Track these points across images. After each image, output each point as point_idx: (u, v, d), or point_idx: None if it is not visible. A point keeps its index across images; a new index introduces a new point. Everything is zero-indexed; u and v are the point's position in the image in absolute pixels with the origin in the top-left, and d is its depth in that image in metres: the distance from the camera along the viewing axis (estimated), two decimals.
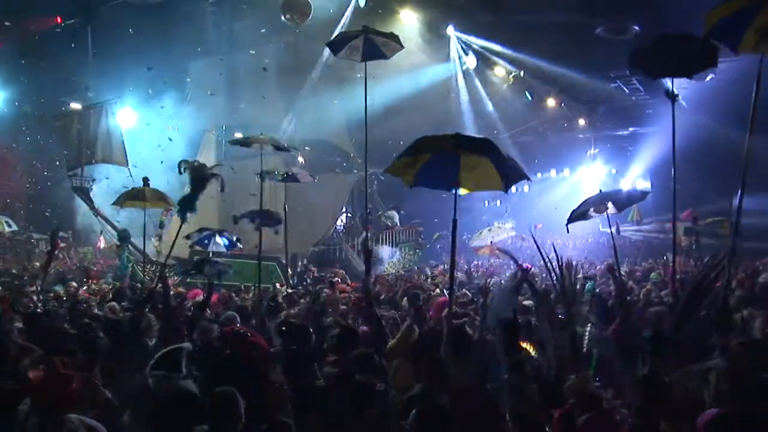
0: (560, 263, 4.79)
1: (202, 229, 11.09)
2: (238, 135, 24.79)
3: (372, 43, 8.38)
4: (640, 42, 7.12)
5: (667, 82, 7.50)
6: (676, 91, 7.23)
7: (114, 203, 11.31)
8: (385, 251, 19.44)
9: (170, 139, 19.19)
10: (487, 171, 5.24)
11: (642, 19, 17.83)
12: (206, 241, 11.22)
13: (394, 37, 8.64)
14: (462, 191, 5.36)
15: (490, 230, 19.66)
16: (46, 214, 21.64)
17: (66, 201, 21.16)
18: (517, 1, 18.03)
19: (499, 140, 29.81)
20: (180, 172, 8.23)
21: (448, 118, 24.51)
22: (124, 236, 15.86)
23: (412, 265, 21.18)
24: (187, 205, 8.61)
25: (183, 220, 8.02)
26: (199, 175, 8.82)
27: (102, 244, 20.38)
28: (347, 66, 18.65)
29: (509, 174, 5.26)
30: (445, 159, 5.31)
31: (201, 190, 8.17)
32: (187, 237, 10.52)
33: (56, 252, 10.32)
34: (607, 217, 7.28)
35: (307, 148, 23.60)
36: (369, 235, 8.35)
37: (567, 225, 7.29)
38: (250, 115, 21.71)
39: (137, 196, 10.38)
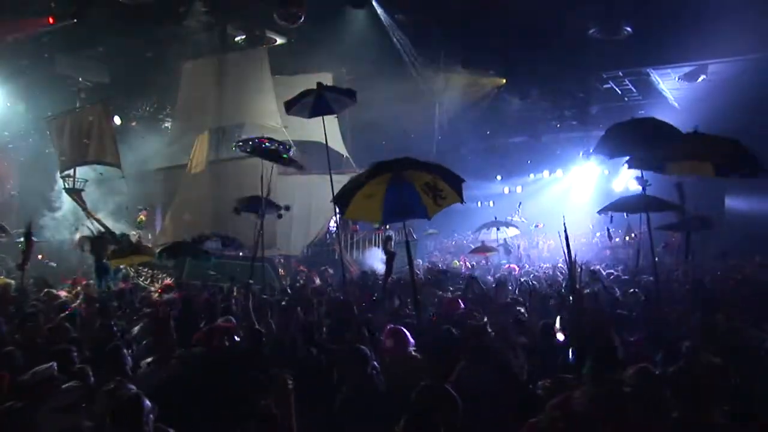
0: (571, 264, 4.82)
1: (201, 237, 11.50)
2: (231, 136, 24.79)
3: (323, 100, 8.55)
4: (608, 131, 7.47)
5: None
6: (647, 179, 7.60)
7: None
8: (379, 253, 19.44)
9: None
10: (443, 187, 5.52)
11: (634, 20, 17.92)
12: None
13: (349, 93, 8.81)
14: (432, 213, 5.62)
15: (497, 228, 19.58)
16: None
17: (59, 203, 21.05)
18: (509, 2, 18.06)
19: (491, 142, 30.09)
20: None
21: (441, 120, 24.63)
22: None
23: (404, 266, 21.14)
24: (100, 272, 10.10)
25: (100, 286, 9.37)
26: (97, 246, 10.43)
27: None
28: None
29: (457, 185, 5.59)
30: (397, 190, 5.53)
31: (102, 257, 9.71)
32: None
33: (31, 249, 10.38)
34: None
35: (302, 151, 23.65)
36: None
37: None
38: (243, 116, 21.69)
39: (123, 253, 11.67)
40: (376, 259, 18.70)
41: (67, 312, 8.45)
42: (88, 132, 19.16)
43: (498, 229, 19.82)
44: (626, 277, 12.15)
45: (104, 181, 19.74)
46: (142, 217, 17.59)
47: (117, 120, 22.22)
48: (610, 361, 4.10)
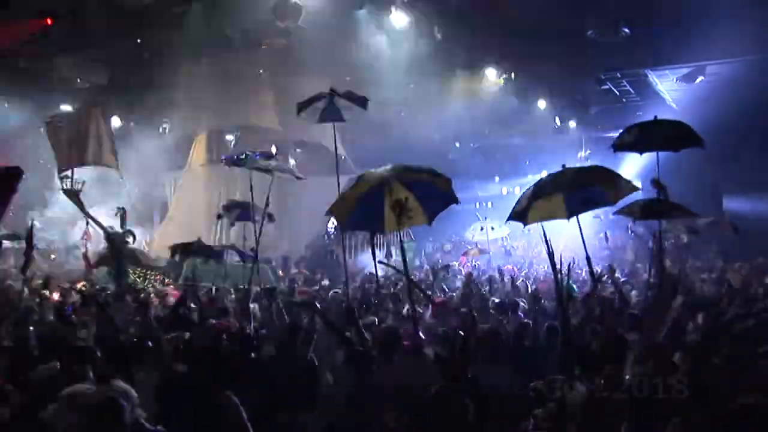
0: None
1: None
2: (229, 137, 24.80)
3: (334, 107, 8.33)
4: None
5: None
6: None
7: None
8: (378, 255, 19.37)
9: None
10: (413, 206, 5.42)
11: (632, 21, 17.94)
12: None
13: (361, 101, 8.54)
14: (389, 229, 5.51)
15: (482, 229, 19.51)
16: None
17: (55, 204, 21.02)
18: (507, 4, 18.06)
19: (489, 142, 30.13)
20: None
21: (439, 121, 24.62)
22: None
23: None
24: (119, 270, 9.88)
25: (119, 286, 9.21)
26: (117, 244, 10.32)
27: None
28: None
29: (432, 206, 5.46)
30: (369, 200, 5.42)
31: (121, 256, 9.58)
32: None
33: (33, 247, 10.29)
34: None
35: (298, 149, 23.64)
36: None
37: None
38: (241, 118, 21.68)
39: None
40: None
41: (63, 312, 8.45)
42: (85, 134, 19.13)
43: (492, 228, 19.76)
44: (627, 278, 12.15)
45: (103, 182, 19.72)
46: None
47: (116, 121, 22.18)
48: (596, 361, 4.20)
